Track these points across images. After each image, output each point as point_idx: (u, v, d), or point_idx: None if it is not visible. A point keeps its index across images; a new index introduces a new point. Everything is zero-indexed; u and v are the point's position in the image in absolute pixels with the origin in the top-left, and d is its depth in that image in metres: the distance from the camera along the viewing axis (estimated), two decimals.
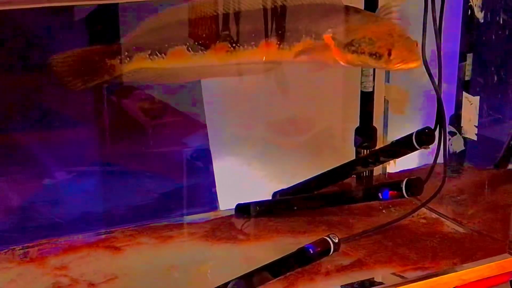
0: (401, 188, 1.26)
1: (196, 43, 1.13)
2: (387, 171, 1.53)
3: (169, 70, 1.17)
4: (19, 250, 1.23)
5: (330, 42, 1.14)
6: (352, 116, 1.46)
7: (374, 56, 1.12)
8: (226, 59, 1.16)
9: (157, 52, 1.14)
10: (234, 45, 1.14)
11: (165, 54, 1.14)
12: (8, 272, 1.17)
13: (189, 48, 1.14)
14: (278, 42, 1.15)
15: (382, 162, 1.41)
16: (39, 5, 1.08)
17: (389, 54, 1.11)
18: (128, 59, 1.13)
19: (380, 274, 1.21)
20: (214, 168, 1.49)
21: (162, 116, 1.54)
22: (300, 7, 1.17)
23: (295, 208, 1.37)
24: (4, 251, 1.22)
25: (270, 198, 1.44)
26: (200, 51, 1.14)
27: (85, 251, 1.24)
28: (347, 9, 1.19)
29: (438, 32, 1.23)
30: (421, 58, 1.16)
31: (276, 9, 1.16)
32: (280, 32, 1.15)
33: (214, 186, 1.49)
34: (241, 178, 1.49)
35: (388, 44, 1.12)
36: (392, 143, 1.34)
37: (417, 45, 1.15)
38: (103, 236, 1.29)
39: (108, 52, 1.14)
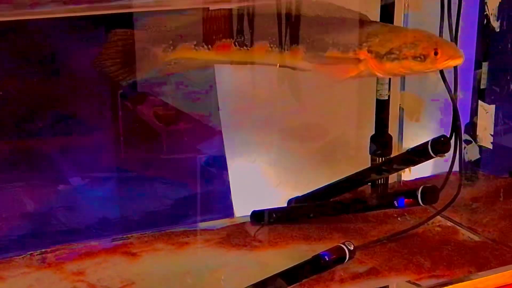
0: (417, 196, 1.26)
1: (243, 39, 1.15)
2: (402, 179, 1.53)
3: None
4: (37, 255, 1.24)
5: (366, 56, 1.15)
6: (367, 124, 1.46)
7: (418, 59, 1.13)
8: (264, 58, 1.18)
9: (203, 44, 1.15)
10: (272, 46, 1.16)
11: (211, 46, 1.15)
12: (26, 277, 1.18)
13: (236, 43, 1.16)
14: (305, 50, 1.16)
15: (398, 170, 1.42)
16: (51, 15, 1.10)
17: (436, 53, 1.13)
18: (172, 47, 1.15)
19: (395, 282, 1.21)
20: (229, 174, 1.50)
21: (177, 122, 1.55)
22: (330, 19, 1.18)
23: (311, 215, 1.37)
24: (22, 256, 1.23)
25: (285, 205, 1.44)
26: (244, 47, 1.16)
27: (102, 257, 1.24)
28: (374, 23, 1.22)
29: (454, 41, 1.23)
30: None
31: (308, 19, 1.18)
32: (308, 40, 1.17)
33: (229, 192, 1.50)
34: (256, 185, 1.50)
35: (432, 44, 1.14)
36: (408, 151, 1.34)
37: None
38: (119, 242, 1.29)
39: (152, 39, 1.15)
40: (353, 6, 1.22)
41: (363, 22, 1.19)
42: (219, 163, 1.50)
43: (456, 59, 1.14)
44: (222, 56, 1.18)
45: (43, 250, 1.25)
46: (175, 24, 1.16)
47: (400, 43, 1.14)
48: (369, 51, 1.15)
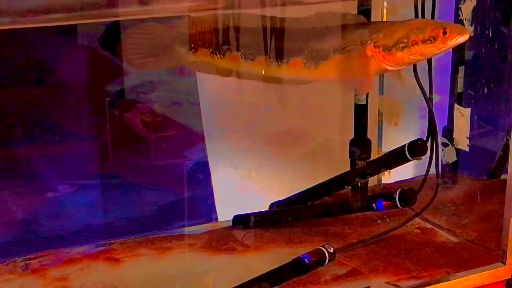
0: (394, 198, 1.28)
1: (248, 52, 1.19)
2: (383, 182, 1.55)
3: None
4: (20, 262, 1.25)
5: (374, 51, 1.17)
6: (347, 128, 1.48)
7: (429, 41, 1.16)
8: (265, 72, 1.20)
9: (217, 52, 1.19)
10: (272, 60, 1.19)
11: (223, 56, 1.19)
12: (10, 283, 1.19)
13: (242, 56, 1.19)
14: (304, 61, 1.19)
15: (376, 173, 1.43)
16: (43, 24, 1.11)
17: (444, 32, 1.15)
18: (193, 50, 1.18)
19: (375, 283, 1.23)
20: (212, 180, 1.52)
21: (163, 129, 1.56)
22: (330, 27, 1.20)
23: (290, 219, 1.39)
24: (6, 263, 1.24)
25: (267, 209, 1.46)
26: (249, 60, 1.19)
27: (85, 263, 1.25)
28: (374, 22, 1.27)
29: None
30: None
31: (307, 30, 1.20)
32: (307, 51, 1.19)
33: (213, 197, 1.51)
34: (239, 189, 1.51)
35: (439, 25, 1.17)
36: (386, 154, 1.36)
37: None
38: (103, 248, 1.30)
39: (178, 39, 1.19)
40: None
41: (363, 22, 1.22)
42: (202, 169, 1.52)
43: (465, 34, 1.17)
44: (232, 66, 1.21)
45: (26, 256, 1.26)
46: (199, 29, 1.20)
47: (406, 32, 1.17)
48: (376, 46, 1.17)
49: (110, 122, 1.50)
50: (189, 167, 1.54)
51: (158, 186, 1.53)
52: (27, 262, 1.25)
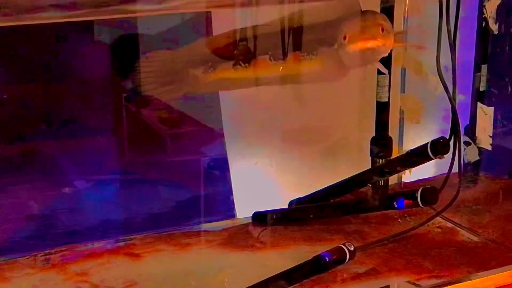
0: (416, 197, 1.27)
1: (278, 52, 1.16)
2: (403, 180, 1.54)
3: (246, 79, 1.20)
4: (41, 256, 1.25)
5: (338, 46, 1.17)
6: (368, 126, 1.48)
7: (342, 46, 1.14)
8: (299, 67, 1.19)
9: (241, 62, 1.16)
10: (304, 54, 1.18)
11: (248, 64, 1.16)
12: (30, 277, 1.20)
13: (271, 58, 1.16)
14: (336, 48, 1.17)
15: (398, 172, 1.43)
16: (53, 20, 1.12)
17: (344, 38, 1.13)
18: (211, 69, 1.16)
19: (395, 282, 1.22)
20: (231, 176, 1.51)
21: (180, 125, 1.56)
22: (332, 20, 1.19)
23: (311, 216, 1.38)
24: (26, 257, 1.24)
25: (287, 206, 1.45)
26: (280, 60, 1.16)
27: (105, 258, 1.26)
28: (361, 12, 1.22)
29: (452, 44, 1.24)
30: (379, 39, 1.16)
31: (316, 24, 1.20)
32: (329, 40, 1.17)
33: (232, 194, 1.51)
34: (258, 186, 1.51)
35: (347, 29, 1.14)
36: (407, 152, 1.35)
37: (383, 29, 1.16)
38: (122, 243, 1.31)
39: (192, 62, 1.16)
40: None
41: (350, 13, 1.20)
42: (221, 165, 1.52)
43: (360, 42, 1.13)
44: (260, 72, 1.18)
45: (47, 251, 1.26)
46: (213, 46, 1.17)
47: (341, 30, 1.15)
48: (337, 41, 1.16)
49: (127, 118, 1.49)
50: (208, 164, 1.54)
51: (178, 182, 1.53)
52: (48, 256, 1.25)
